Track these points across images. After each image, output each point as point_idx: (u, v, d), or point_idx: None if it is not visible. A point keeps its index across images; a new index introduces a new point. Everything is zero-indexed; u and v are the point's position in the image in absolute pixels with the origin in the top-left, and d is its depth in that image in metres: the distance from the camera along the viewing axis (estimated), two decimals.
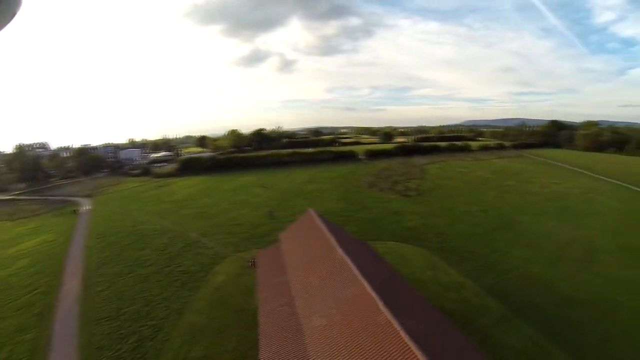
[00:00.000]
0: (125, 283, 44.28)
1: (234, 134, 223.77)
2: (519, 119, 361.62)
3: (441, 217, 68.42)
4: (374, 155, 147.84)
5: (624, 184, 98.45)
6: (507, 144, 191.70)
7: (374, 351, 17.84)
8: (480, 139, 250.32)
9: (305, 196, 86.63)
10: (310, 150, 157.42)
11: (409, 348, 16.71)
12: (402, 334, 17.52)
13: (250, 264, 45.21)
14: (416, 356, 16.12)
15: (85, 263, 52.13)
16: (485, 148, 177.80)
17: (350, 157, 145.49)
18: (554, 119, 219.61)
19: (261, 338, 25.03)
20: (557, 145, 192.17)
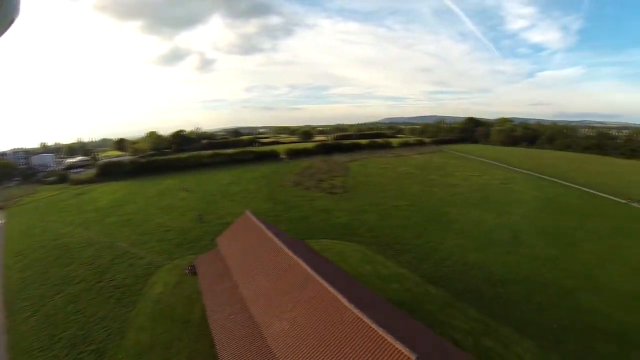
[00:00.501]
0: (54, 305, 38.88)
1: (153, 136, 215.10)
2: (436, 116, 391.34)
3: (371, 213, 69.90)
4: (295, 154, 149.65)
5: (537, 174, 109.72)
6: (427, 140, 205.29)
7: (348, 348, 17.57)
8: (399, 135, 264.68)
9: (231, 198, 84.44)
10: (231, 151, 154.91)
11: (386, 340, 16.53)
12: (375, 327, 17.44)
13: (188, 271, 43.19)
14: (395, 348, 15.97)
15: (5, 286, 45.08)
16: (405, 144, 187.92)
17: (271, 156, 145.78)
18: (469, 116, 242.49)
19: (219, 350, 23.65)
20: (474, 141, 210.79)
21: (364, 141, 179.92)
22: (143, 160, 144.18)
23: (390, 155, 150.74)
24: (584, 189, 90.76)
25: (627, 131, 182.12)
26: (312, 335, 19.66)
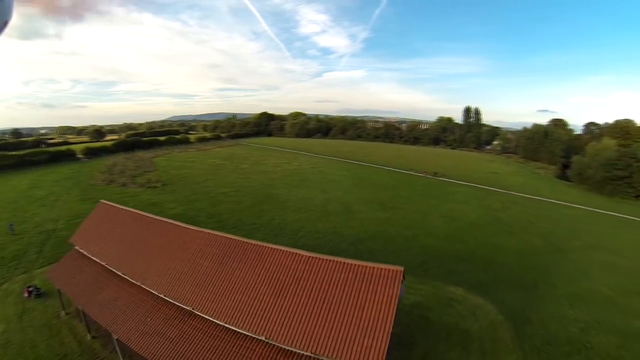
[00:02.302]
0: None
1: None
2: (224, 113, 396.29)
3: (202, 202, 67.08)
4: (93, 153, 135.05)
5: (341, 159, 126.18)
6: (223, 135, 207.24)
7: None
8: (192, 132, 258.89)
9: (40, 203, 67.84)
10: (16, 153, 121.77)
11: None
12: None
13: (28, 294, 32.52)
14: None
15: None
16: (203, 139, 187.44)
17: (67, 156, 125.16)
18: (258, 112, 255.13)
19: None
20: (269, 134, 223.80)
21: (162, 138, 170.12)
22: None
23: (192, 150, 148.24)
24: (385, 168, 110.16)
25: (405, 124, 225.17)
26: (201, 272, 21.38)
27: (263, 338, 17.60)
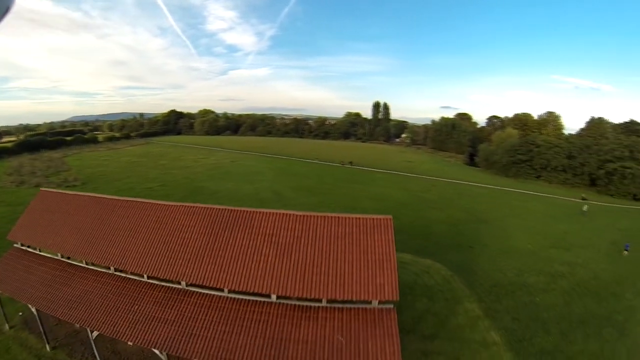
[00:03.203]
0: None
1: None
2: (128, 113, 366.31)
3: (129, 197, 62.84)
4: None
5: (257, 154, 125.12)
6: (132, 134, 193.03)
7: None
8: (98, 132, 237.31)
9: None
10: None
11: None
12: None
13: None
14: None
15: None
16: (112, 139, 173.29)
17: None
18: (163, 111, 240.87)
19: None
20: (178, 132, 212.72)
21: (69, 137, 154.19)
22: None
23: (102, 149, 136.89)
24: (303, 160, 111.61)
25: (312, 120, 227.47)
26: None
27: (274, 298, 17.62)
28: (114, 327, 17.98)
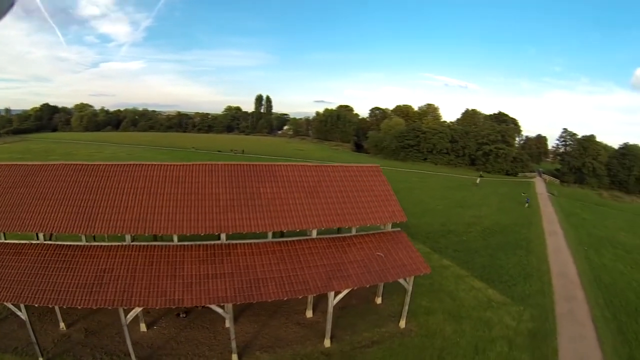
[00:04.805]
0: None
1: None
2: None
3: None
4: None
5: (144, 146, 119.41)
6: (1, 131, 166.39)
7: None
8: None
9: None
10: None
11: None
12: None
13: None
14: None
15: None
16: None
17: None
18: (26, 107, 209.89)
19: None
20: (54, 129, 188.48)
21: None
22: None
23: None
24: (197, 151, 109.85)
25: (194, 114, 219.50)
26: None
27: (314, 234, 20.61)
28: (168, 297, 16.04)
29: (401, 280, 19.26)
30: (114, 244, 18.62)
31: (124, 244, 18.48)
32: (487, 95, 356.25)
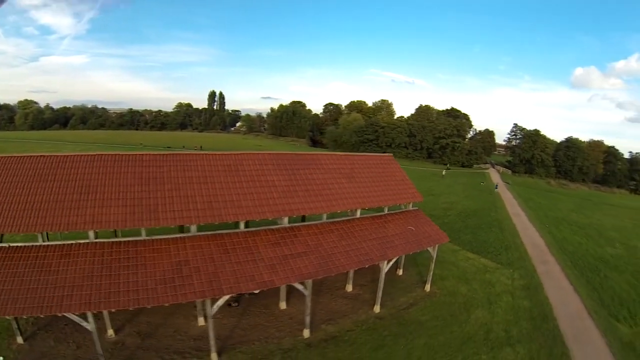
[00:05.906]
0: None
1: None
2: None
3: None
4: None
5: (106, 144, 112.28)
6: None
7: None
8: None
9: None
10: None
11: None
12: None
13: None
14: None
15: None
16: None
17: None
18: None
19: None
20: None
21: None
22: None
23: None
24: (158, 148, 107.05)
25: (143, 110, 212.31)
26: None
27: (358, 214, 23.81)
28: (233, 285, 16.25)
29: (429, 249, 23.67)
30: (179, 235, 18.12)
31: (190, 235, 18.16)
32: (434, 92, 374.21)
